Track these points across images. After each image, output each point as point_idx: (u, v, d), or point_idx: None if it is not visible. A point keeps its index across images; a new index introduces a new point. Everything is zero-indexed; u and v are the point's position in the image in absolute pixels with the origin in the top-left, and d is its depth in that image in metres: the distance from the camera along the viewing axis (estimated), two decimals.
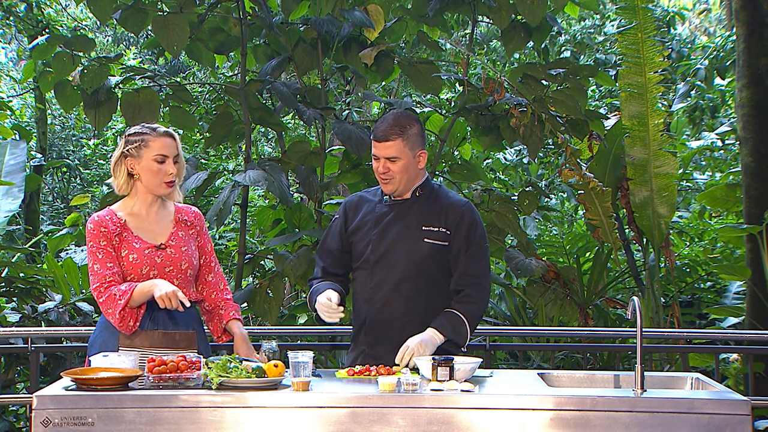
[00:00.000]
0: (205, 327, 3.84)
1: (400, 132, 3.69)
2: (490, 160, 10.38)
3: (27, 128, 10.79)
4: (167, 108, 6.29)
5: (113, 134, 12.26)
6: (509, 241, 7.07)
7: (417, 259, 3.72)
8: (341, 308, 3.67)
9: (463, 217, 3.76)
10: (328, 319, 3.68)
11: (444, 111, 8.21)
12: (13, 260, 7.13)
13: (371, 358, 3.71)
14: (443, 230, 3.75)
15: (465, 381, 3.33)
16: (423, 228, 3.75)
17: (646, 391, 3.24)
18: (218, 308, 3.79)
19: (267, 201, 9.76)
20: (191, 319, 3.69)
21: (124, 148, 3.68)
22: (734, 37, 7.34)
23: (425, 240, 3.73)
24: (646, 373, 3.31)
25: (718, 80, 10.03)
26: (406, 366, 3.53)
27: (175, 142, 3.70)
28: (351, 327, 3.94)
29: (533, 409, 3.12)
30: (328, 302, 3.66)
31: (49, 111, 12.81)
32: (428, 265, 3.73)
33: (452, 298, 3.77)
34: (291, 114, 8.79)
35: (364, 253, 3.81)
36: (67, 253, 7.02)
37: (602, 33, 11.95)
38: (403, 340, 3.66)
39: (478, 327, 3.90)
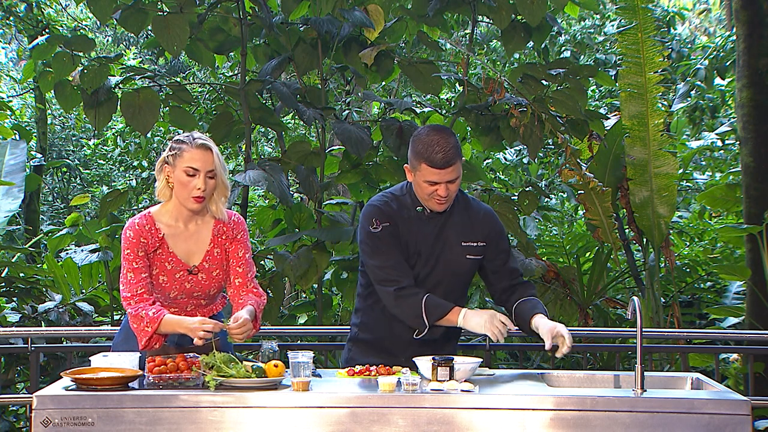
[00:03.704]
0: None
1: (457, 153, 3.57)
2: (490, 160, 10.37)
3: (27, 128, 10.78)
4: (167, 108, 6.28)
5: (113, 134, 12.26)
6: (509, 241, 7.06)
7: (459, 275, 3.75)
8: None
9: (495, 227, 3.82)
10: (497, 338, 3.59)
11: (444, 111, 8.21)
12: (13, 260, 7.13)
13: (390, 364, 3.62)
14: (480, 244, 3.76)
15: (465, 381, 3.33)
16: (463, 243, 3.73)
17: (646, 391, 3.24)
18: (237, 306, 3.67)
19: (267, 201, 9.75)
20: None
21: (166, 153, 3.58)
22: (734, 37, 7.34)
23: (467, 257, 3.73)
24: (646, 373, 3.31)
25: (718, 80, 10.02)
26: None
27: (211, 155, 3.55)
28: (348, 327, 3.91)
29: (533, 409, 3.13)
30: (504, 325, 3.61)
31: (49, 111, 12.80)
32: (466, 278, 3.79)
33: (509, 292, 3.81)
34: (291, 114, 8.78)
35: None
36: (67, 253, 7.00)
37: (602, 33, 11.94)
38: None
39: None
